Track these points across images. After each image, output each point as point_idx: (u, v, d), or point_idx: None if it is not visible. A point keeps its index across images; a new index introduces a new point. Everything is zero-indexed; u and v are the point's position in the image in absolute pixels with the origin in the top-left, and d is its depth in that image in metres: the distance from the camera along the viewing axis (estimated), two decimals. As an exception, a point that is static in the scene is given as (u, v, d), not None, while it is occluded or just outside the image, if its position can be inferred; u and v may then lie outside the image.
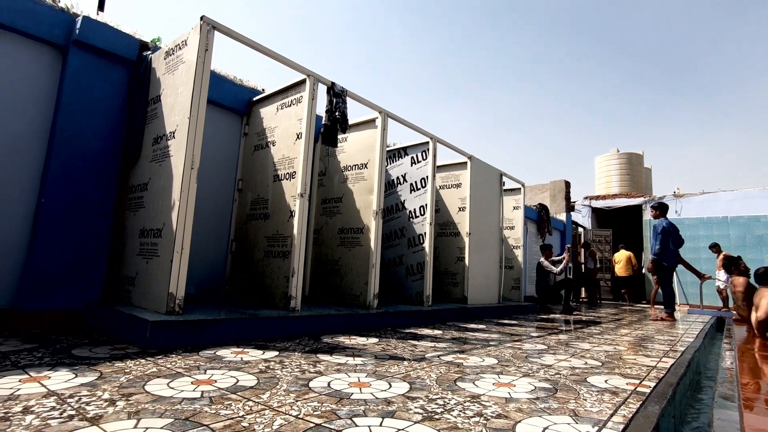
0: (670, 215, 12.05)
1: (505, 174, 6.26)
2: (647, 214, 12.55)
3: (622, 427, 1.33)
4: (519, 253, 6.94)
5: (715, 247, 9.44)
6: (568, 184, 11.91)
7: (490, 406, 1.48)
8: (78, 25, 2.86)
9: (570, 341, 3.33)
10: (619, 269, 10.83)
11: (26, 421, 1.13)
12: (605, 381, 1.98)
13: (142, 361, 1.87)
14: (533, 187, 12.41)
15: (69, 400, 1.31)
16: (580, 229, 13.13)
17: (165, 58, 2.99)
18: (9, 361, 1.73)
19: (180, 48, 2.85)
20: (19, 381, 1.48)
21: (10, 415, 1.17)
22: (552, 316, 5.97)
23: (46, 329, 2.53)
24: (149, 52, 3.21)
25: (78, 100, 2.88)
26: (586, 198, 14.27)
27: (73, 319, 2.73)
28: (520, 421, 1.34)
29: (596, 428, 1.31)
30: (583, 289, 11.55)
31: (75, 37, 2.85)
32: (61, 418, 1.16)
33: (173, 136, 2.72)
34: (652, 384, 1.94)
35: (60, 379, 1.52)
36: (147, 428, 1.12)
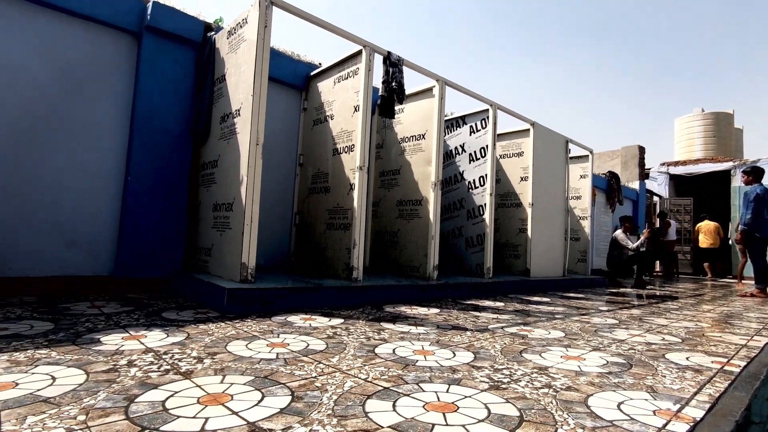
0: (766, 180, 10.76)
1: (571, 140, 5.89)
2: (737, 180, 11.28)
3: (707, 406, 1.24)
4: (586, 224, 6.58)
5: None
6: (642, 150, 10.97)
7: (559, 379, 1.45)
8: (149, 11, 3.03)
9: (644, 316, 3.14)
10: (703, 240, 9.90)
11: (131, 372, 1.28)
12: (686, 358, 1.85)
13: (222, 324, 2.03)
14: (602, 153, 11.58)
15: (164, 356, 1.45)
16: (656, 198, 12.14)
17: (228, 38, 3.09)
18: (112, 321, 1.96)
19: (241, 26, 2.92)
20: (122, 338, 1.67)
21: (118, 366, 1.32)
22: (622, 290, 5.65)
23: (138, 294, 2.81)
24: (213, 32, 3.33)
25: (153, 82, 3.07)
26: (662, 164, 13.09)
27: (160, 285, 3.02)
28: (592, 395, 1.30)
29: (678, 406, 1.24)
30: (658, 262, 10.76)
31: (147, 23, 3.02)
32: (159, 371, 1.30)
33: (239, 114, 2.83)
34: (743, 363, 1.78)
35: (155, 338, 1.69)
36: (232, 384, 1.23)
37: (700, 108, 18.96)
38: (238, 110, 2.84)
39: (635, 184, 10.58)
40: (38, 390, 1.10)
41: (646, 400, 1.28)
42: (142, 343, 1.61)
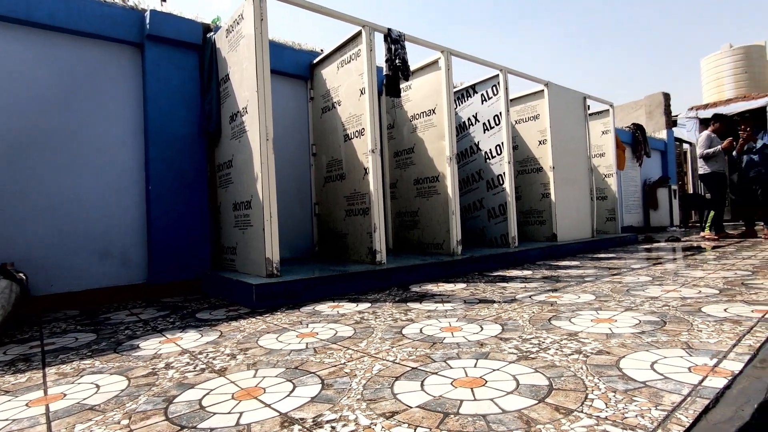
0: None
1: (590, 96, 5.65)
2: (775, 117, 10.62)
3: (747, 358, 1.20)
4: (612, 182, 6.37)
5: None
6: (667, 97, 10.45)
7: (590, 343, 1.43)
8: (148, 20, 3.05)
9: (679, 270, 3.04)
10: None
11: (168, 374, 1.33)
12: (724, 310, 1.79)
13: (252, 319, 2.09)
14: (625, 105, 11.10)
15: (199, 356, 1.51)
16: (685, 146, 11.60)
17: (227, 36, 3.09)
18: (149, 327, 2.05)
19: (237, 23, 2.91)
20: (159, 342, 1.74)
21: (156, 370, 1.39)
22: (655, 245, 5.48)
23: (173, 298, 2.92)
24: (212, 33, 3.33)
25: (160, 90, 3.12)
26: (691, 109, 12.44)
27: (192, 287, 3.12)
28: (624, 357, 1.28)
29: (715, 360, 1.20)
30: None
31: (147, 32, 3.04)
32: (195, 371, 1.35)
33: (246, 112, 2.84)
34: (785, 310, 1.71)
35: (190, 339, 1.76)
36: (264, 377, 1.26)
37: (728, 44, 17.81)
38: (245, 108, 2.86)
39: (662, 134, 10.12)
40: (84, 399, 1.17)
41: (681, 357, 1.25)
42: (179, 345, 1.67)
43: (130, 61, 3.12)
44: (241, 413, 1.02)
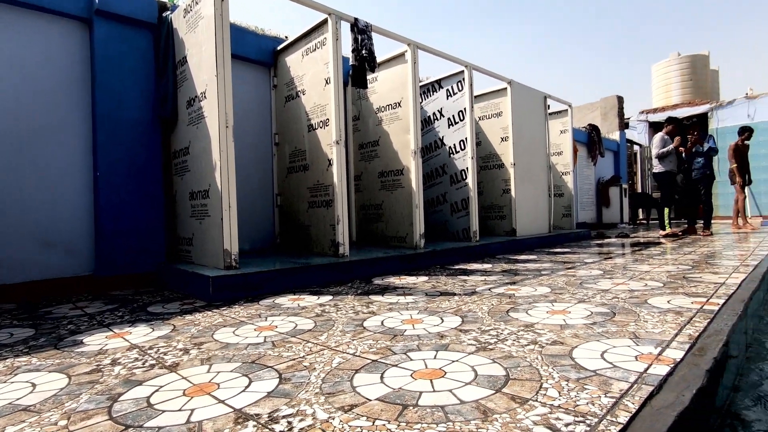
0: (742, 120, 10.90)
1: (550, 96, 5.83)
2: (715, 122, 11.41)
3: (687, 347, 1.28)
4: (569, 180, 6.62)
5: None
6: (620, 100, 10.97)
7: (545, 334, 1.47)
8: (96, -6, 2.84)
9: (627, 264, 3.21)
10: None
11: (115, 371, 1.26)
12: (668, 302, 1.90)
13: (209, 313, 2.01)
14: (582, 107, 11.55)
15: (149, 351, 1.44)
16: (636, 147, 12.25)
17: (184, 16, 2.93)
18: (95, 321, 1.93)
19: (196, 2, 2.77)
20: (105, 337, 1.64)
21: (101, 366, 1.30)
22: (606, 240, 5.76)
23: (124, 291, 2.77)
24: (168, 12, 3.15)
25: (110, 71, 2.92)
26: (641, 113, 13.15)
27: (146, 280, 2.97)
28: (576, 347, 1.32)
29: (659, 349, 1.27)
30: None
31: (96, 6, 2.83)
32: (144, 367, 1.28)
33: (204, 97, 2.72)
34: (721, 301, 1.83)
35: (139, 334, 1.67)
36: (218, 372, 1.22)
37: (677, 52, 18.90)
38: (204, 93, 2.73)
39: (615, 135, 10.63)
40: (17, 399, 1.08)
41: (629, 346, 1.31)
42: (127, 340, 1.58)
43: (76, 38, 2.90)
44: (192, 410, 0.97)
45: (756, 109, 10.98)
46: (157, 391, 1.09)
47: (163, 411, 0.97)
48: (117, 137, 2.93)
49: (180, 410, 0.97)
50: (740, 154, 6.73)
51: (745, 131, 6.70)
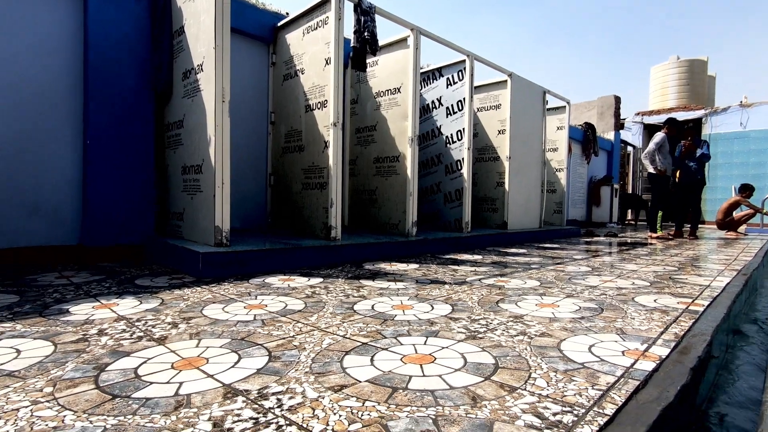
0: (735, 127, 11.03)
1: (549, 91, 5.82)
2: (709, 128, 11.52)
3: (673, 344, 1.30)
4: (562, 176, 6.66)
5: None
6: (617, 100, 11.00)
7: (534, 326, 1.49)
8: (92, -45, 2.74)
9: (615, 263, 3.25)
10: None
11: (102, 341, 1.24)
12: (654, 300, 1.93)
13: (198, 288, 1.99)
14: (579, 105, 11.57)
15: (137, 324, 1.42)
16: (629, 148, 12.34)
17: (184, -15, 2.85)
18: (82, 291, 1.90)
19: (197, -29, 2.68)
20: (92, 307, 1.62)
21: (87, 336, 1.29)
22: (595, 238, 5.83)
23: (111, 262, 2.73)
24: (167, -21, 3.05)
25: (104, 37, 2.83)
26: (637, 114, 13.21)
27: (135, 253, 2.93)
28: (564, 339, 1.34)
29: (645, 346, 1.29)
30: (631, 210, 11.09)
31: (91, -31, 2.74)
32: (131, 338, 1.27)
33: (201, 69, 2.66)
34: (706, 303, 1.87)
35: (127, 306, 1.65)
36: (207, 347, 1.21)
37: (676, 56, 18.96)
38: (201, 65, 2.67)
39: (610, 135, 10.69)
40: (1, 364, 1.06)
41: (616, 341, 1.33)
42: (114, 312, 1.57)
43: (72, 2, 2.79)
44: (180, 383, 0.96)
45: (749, 117, 11.10)
46: (144, 362, 1.08)
47: (151, 383, 0.96)
48: (109, 105, 2.86)
49: (168, 383, 0.97)
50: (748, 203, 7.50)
51: (747, 189, 7.52)
